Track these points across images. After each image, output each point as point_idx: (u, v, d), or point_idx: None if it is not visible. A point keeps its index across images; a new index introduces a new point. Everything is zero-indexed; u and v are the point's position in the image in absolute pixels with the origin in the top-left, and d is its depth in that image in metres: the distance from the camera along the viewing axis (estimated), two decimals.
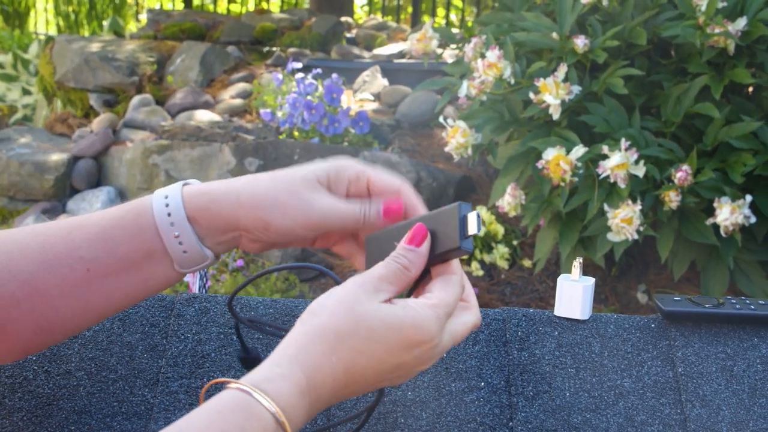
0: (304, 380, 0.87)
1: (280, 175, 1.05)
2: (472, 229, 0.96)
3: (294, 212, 1.03)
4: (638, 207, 2.99)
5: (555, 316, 1.24)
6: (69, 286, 1.01)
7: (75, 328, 1.04)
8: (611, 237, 3.06)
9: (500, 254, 4.26)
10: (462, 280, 0.99)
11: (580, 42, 3.26)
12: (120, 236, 1.03)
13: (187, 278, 1.46)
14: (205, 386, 0.92)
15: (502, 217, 4.42)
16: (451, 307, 0.95)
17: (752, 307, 1.23)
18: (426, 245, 0.97)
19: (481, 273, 4.20)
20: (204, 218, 1.04)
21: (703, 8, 3.17)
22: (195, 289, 1.47)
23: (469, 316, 0.99)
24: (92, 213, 1.05)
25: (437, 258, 0.97)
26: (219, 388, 0.87)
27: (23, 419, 1.11)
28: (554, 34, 3.38)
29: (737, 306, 1.23)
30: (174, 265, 1.04)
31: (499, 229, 4.33)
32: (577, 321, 1.23)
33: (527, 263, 4.27)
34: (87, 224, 1.03)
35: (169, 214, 1.03)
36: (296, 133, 5.41)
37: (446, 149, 3.46)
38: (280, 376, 0.86)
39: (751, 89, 3.53)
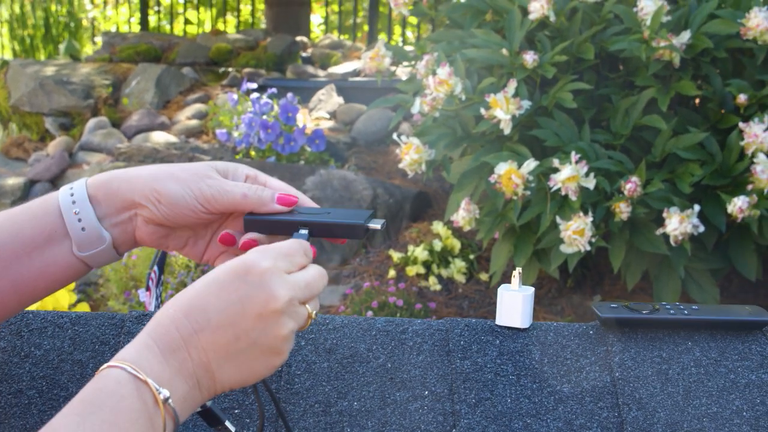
0: (145, 337, 0.91)
1: (181, 164, 1.12)
2: (375, 224, 1.09)
3: (187, 181, 1.09)
4: (590, 219, 3.04)
5: (496, 325, 1.27)
6: None
7: None
8: (564, 249, 3.10)
9: (457, 268, 4.29)
10: (305, 244, 1.05)
11: (530, 58, 3.31)
12: (25, 221, 1.07)
13: (143, 298, 1.48)
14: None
15: (458, 232, 4.46)
16: (284, 251, 1.00)
17: (686, 312, 1.27)
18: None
19: (438, 287, 4.23)
20: (103, 195, 1.09)
21: (648, 22, 3.23)
22: (151, 308, 1.49)
23: (311, 270, 1.03)
24: (4, 210, 1.09)
25: (337, 229, 1.10)
26: None
27: None
28: (504, 51, 3.43)
29: (672, 311, 1.27)
30: (73, 247, 1.08)
31: (456, 244, 4.36)
32: (518, 329, 1.27)
33: (484, 276, 4.31)
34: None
35: (72, 194, 1.08)
36: (252, 153, 5.43)
37: (400, 165, 3.49)
38: (129, 344, 0.91)
39: (697, 101, 3.59)
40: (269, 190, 1.12)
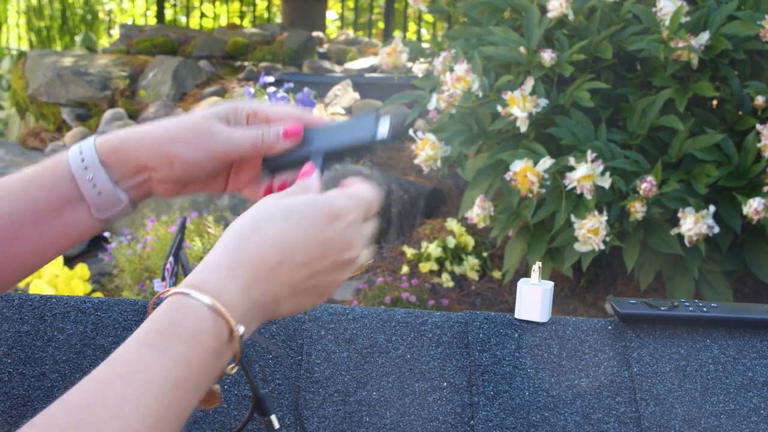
0: (229, 262, 0.89)
1: (182, 116, 1.11)
2: (383, 129, 1.05)
3: (195, 142, 1.08)
4: (604, 218, 3.04)
5: (515, 318, 1.28)
6: None
7: (4, 282, 1.08)
8: (578, 247, 3.11)
9: (470, 266, 4.30)
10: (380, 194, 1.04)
11: (547, 56, 3.31)
12: (39, 188, 1.07)
13: (158, 288, 1.50)
14: (151, 301, 0.94)
15: (472, 229, 4.46)
16: (367, 200, 1.00)
17: (705, 309, 1.27)
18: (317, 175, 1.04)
19: (451, 284, 4.24)
20: (114, 160, 1.08)
21: (667, 23, 3.23)
22: None
23: (374, 223, 1.03)
24: (16, 173, 1.10)
25: (350, 151, 1.08)
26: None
27: None
28: (522, 49, 3.43)
29: (690, 308, 1.27)
30: (91, 210, 1.08)
31: (470, 241, 4.37)
32: (537, 323, 1.27)
33: (497, 274, 4.31)
34: (8, 182, 1.07)
35: (82, 160, 1.07)
36: None
37: (416, 161, 3.50)
38: (205, 268, 0.89)
39: (714, 102, 3.59)
40: (274, 130, 1.10)
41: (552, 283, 1.29)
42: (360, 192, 1.01)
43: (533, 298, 1.27)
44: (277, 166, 1.12)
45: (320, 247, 0.94)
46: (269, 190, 1.12)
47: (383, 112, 5.87)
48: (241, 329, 0.87)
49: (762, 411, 1.18)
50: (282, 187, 1.09)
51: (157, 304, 0.87)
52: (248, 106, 1.13)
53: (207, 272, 0.88)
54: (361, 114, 1.09)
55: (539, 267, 1.27)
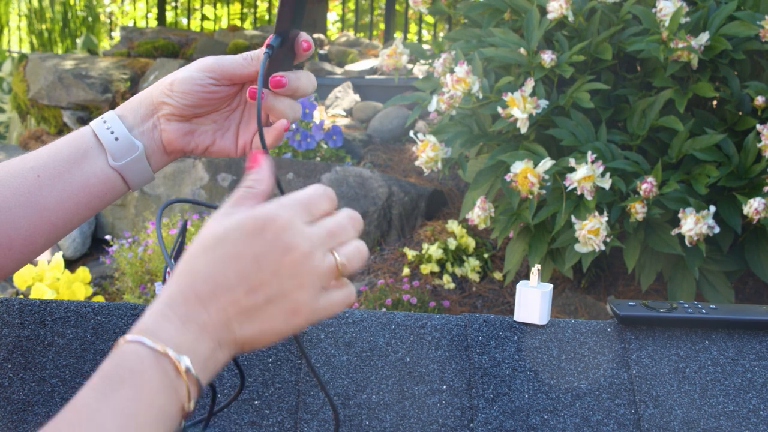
0: (161, 305, 0.90)
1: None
2: None
3: (193, 64, 1.21)
4: (605, 218, 3.04)
5: (515, 321, 1.28)
6: (23, 194, 1.13)
7: (33, 244, 1.14)
8: (579, 248, 3.11)
9: (471, 267, 4.30)
10: (327, 191, 1.01)
11: (547, 57, 3.31)
12: (62, 143, 1.18)
13: (159, 291, 1.50)
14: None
15: (472, 230, 4.47)
16: (302, 200, 0.97)
17: (704, 311, 1.27)
18: (266, 164, 1.01)
19: (452, 286, 4.24)
20: (128, 110, 1.22)
21: (667, 24, 3.23)
22: None
23: (340, 213, 1.01)
24: None
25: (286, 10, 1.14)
26: None
27: None
28: (522, 50, 3.44)
29: (689, 310, 1.27)
30: (108, 158, 1.18)
31: (470, 242, 4.37)
32: (536, 326, 1.27)
33: (498, 276, 4.31)
34: (35, 150, 1.18)
35: (104, 121, 1.20)
36: None
37: (416, 163, 3.50)
38: (145, 314, 0.90)
39: (714, 103, 3.59)
40: (260, 49, 1.19)
41: (551, 286, 1.29)
42: (292, 195, 0.98)
43: (532, 300, 1.27)
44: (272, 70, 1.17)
45: (252, 261, 0.92)
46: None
47: (384, 113, 5.88)
48: (186, 361, 0.87)
49: (761, 412, 1.19)
50: (277, 86, 1.17)
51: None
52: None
53: (145, 319, 0.90)
54: None
55: (538, 270, 1.27)
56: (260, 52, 1.17)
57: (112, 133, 1.18)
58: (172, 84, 1.20)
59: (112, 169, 1.18)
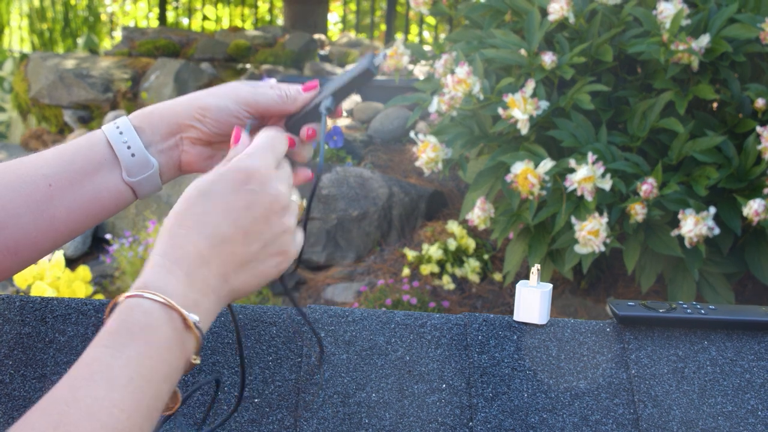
0: (161, 260, 0.91)
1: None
2: (378, 60, 1.10)
3: (225, 92, 1.17)
4: (605, 220, 3.05)
5: (514, 320, 1.28)
6: (34, 203, 1.10)
7: (38, 250, 1.13)
8: (578, 249, 3.11)
9: (471, 268, 4.30)
10: (280, 133, 1.07)
11: (548, 58, 3.32)
12: (75, 152, 1.14)
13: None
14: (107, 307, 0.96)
15: (473, 231, 4.47)
16: (269, 147, 1.02)
17: (703, 311, 1.28)
18: (245, 140, 1.08)
19: (452, 287, 4.24)
20: (148, 124, 1.17)
21: (668, 26, 3.24)
22: None
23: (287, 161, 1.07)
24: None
25: (353, 83, 1.12)
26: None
27: (0, 421, 1.15)
28: (522, 51, 3.44)
29: (688, 311, 1.28)
30: (123, 173, 1.15)
31: (470, 243, 4.37)
32: (536, 325, 1.28)
33: (498, 276, 4.32)
34: (44, 152, 1.14)
35: (117, 127, 1.15)
36: None
37: (417, 164, 3.51)
38: (145, 270, 0.91)
39: (714, 105, 3.59)
40: (294, 86, 1.17)
41: (551, 285, 1.30)
42: (258, 144, 1.03)
43: (532, 300, 1.27)
44: (297, 122, 1.18)
45: (245, 211, 0.97)
46: (307, 87, 1.18)
47: (385, 113, 5.88)
48: (194, 317, 0.89)
49: (759, 413, 1.19)
50: (307, 87, 1.16)
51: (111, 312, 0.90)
52: (272, 82, 1.21)
53: (148, 274, 0.90)
54: (360, 58, 1.15)
55: (538, 269, 1.28)
56: (295, 92, 1.17)
57: (129, 147, 1.15)
58: (205, 110, 1.16)
59: (125, 184, 1.16)
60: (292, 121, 1.18)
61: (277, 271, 1.00)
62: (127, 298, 0.88)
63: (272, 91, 1.16)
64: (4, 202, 1.09)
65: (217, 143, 1.19)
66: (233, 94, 1.16)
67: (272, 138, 1.05)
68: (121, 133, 1.15)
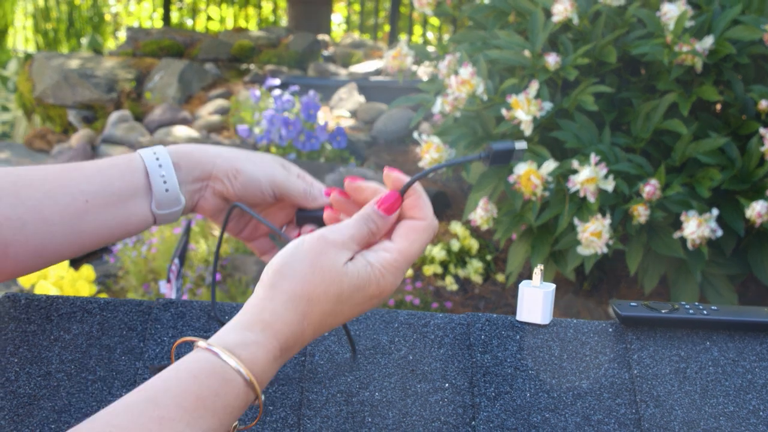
0: (278, 349, 0.95)
1: (252, 151, 1.28)
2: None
3: (263, 166, 1.23)
4: (607, 221, 3.05)
5: (517, 320, 1.29)
6: (69, 215, 1.15)
7: (60, 256, 1.18)
8: (581, 250, 3.11)
9: (474, 269, 4.30)
10: (431, 223, 1.07)
11: (552, 60, 3.32)
12: (115, 174, 1.19)
13: (163, 290, 1.51)
14: (175, 343, 0.97)
15: (476, 232, 4.47)
16: (413, 256, 1.04)
17: (705, 312, 1.28)
18: (395, 216, 1.06)
19: (455, 287, 4.24)
20: (186, 163, 1.23)
21: (671, 27, 3.24)
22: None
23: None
24: (86, 161, 1.22)
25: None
26: (189, 346, 0.93)
27: (5, 418, 1.15)
28: (526, 52, 3.44)
29: (691, 311, 1.28)
30: (152, 204, 1.20)
31: (473, 244, 4.38)
32: (538, 325, 1.28)
33: (501, 277, 4.32)
34: (84, 166, 1.19)
35: (157, 159, 1.21)
36: (273, 149, 5.46)
37: (420, 164, 3.51)
38: (255, 343, 0.93)
39: (718, 106, 3.60)
40: (318, 186, 1.24)
41: (553, 285, 1.30)
42: (400, 256, 1.04)
43: (535, 300, 1.27)
44: (305, 217, 1.27)
45: (358, 310, 1.02)
46: (298, 235, 1.26)
47: (388, 114, 5.88)
48: (262, 396, 0.95)
49: (761, 413, 1.19)
50: (329, 191, 1.21)
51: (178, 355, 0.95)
52: (300, 170, 1.29)
53: (256, 352, 0.93)
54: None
55: (541, 269, 1.28)
56: (318, 191, 1.25)
57: (165, 182, 1.20)
58: (238, 173, 1.22)
59: (151, 213, 1.21)
60: (303, 213, 1.27)
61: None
62: (213, 354, 0.91)
63: (299, 183, 1.24)
64: (41, 208, 1.13)
65: (231, 200, 1.25)
66: (269, 172, 1.23)
67: (424, 246, 1.07)
68: (160, 165, 1.20)
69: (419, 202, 1.05)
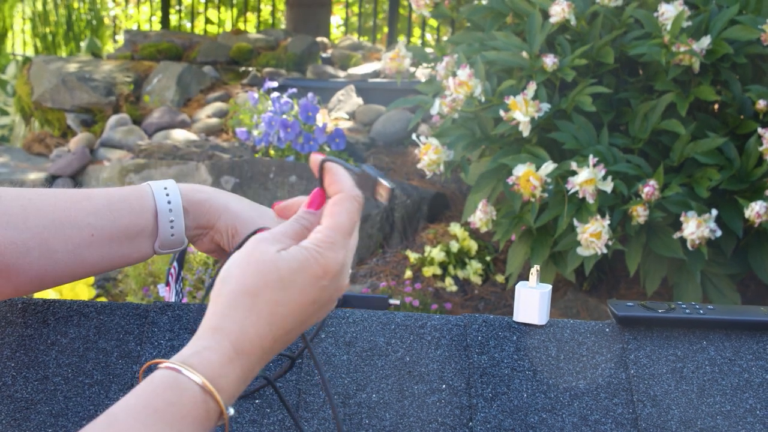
0: (230, 348, 0.91)
1: (262, 209, 1.27)
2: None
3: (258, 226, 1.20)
4: (607, 222, 3.05)
5: (514, 321, 1.29)
6: (74, 246, 1.16)
7: (59, 281, 1.18)
8: (581, 251, 3.11)
9: (473, 270, 4.30)
10: (349, 192, 1.03)
11: (549, 61, 3.32)
12: (124, 210, 1.19)
13: (162, 293, 1.51)
14: (142, 368, 0.96)
15: (475, 233, 4.47)
16: (345, 227, 1.00)
17: (701, 312, 1.28)
18: (323, 208, 1.03)
19: (454, 289, 4.24)
20: (196, 211, 1.24)
21: (669, 27, 3.24)
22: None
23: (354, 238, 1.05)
24: (96, 189, 1.21)
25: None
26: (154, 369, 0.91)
27: (2, 422, 1.15)
28: (524, 53, 3.44)
29: (687, 311, 1.28)
30: (156, 244, 1.21)
31: (473, 245, 4.38)
32: (535, 326, 1.28)
33: (500, 278, 4.32)
34: (94, 196, 1.18)
35: (168, 202, 1.21)
36: (272, 152, 5.46)
37: (419, 166, 3.51)
38: (206, 348, 0.90)
39: (716, 106, 3.60)
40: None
41: (550, 286, 1.30)
42: (342, 228, 1.00)
43: (531, 300, 1.28)
44: None
45: (310, 306, 0.97)
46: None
47: (387, 116, 5.88)
48: (231, 411, 0.90)
49: (758, 412, 1.19)
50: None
51: (147, 372, 0.91)
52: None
53: (211, 357, 0.90)
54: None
55: (537, 270, 1.28)
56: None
57: (172, 227, 1.22)
58: (237, 234, 1.23)
59: (153, 251, 1.23)
60: None
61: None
62: (172, 370, 0.88)
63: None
64: (47, 237, 1.14)
65: (226, 251, 1.26)
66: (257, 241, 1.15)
67: (352, 215, 1.02)
68: (170, 210, 1.21)
69: (335, 178, 1.02)
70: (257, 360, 0.93)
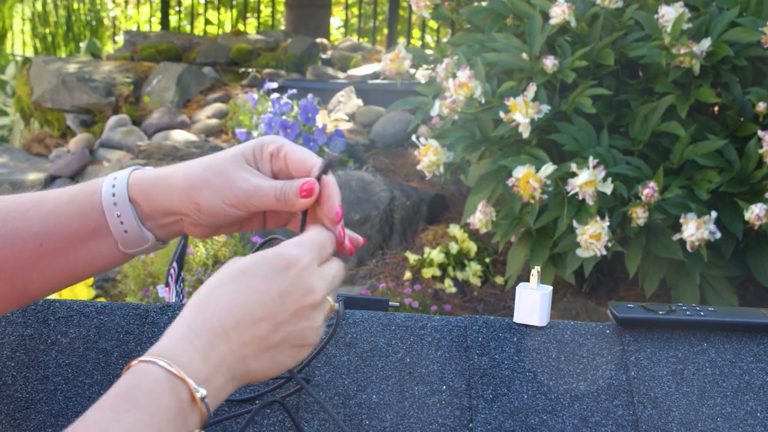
0: (186, 329, 0.90)
1: (212, 157, 1.11)
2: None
3: (221, 192, 1.08)
4: (606, 223, 3.05)
5: (514, 322, 1.29)
6: (24, 259, 1.06)
7: (31, 297, 1.11)
8: (580, 253, 3.11)
9: (473, 271, 4.30)
10: (332, 235, 1.05)
11: (550, 62, 3.32)
12: (71, 213, 1.08)
13: (162, 294, 1.51)
14: (124, 369, 0.96)
15: (474, 235, 4.47)
16: (318, 243, 1.00)
17: (702, 313, 1.28)
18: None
19: (454, 290, 4.24)
20: (144, 201, 1.09)
21: (669, 29, 3.24)
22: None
23: (335, 264, 1.04)
24: (53, 190, 1.11)
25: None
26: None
27: (2, 422, 1.15)
28: (524, 55, 3.44)
29: (688, 312, 1.28)
30: (118, 245, 1.10)
31: (472, 247, 4.38)
32: (536, 327, 1.28)
33: (500, 280, 4.32)
34: (46, 200, 1.08)
35: (113, 195, 1.08)
36: None
37: (419, 167, 3.51)
38: (168, 337, 0.90)
39: (716, 108, 3.60)
40: (295, 185, 1.07)
41: (550, 287, 1.30)
42: (309, 237, 1.01)
43: (532, 302, 1.27)
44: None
45: (278, 298, 0.95)
46: (302, 191, 1.10)
47: (387, 117, 5.88)
48: (203, 391, 0.87)
49: (758, 414, 1.19)
50: (302, 191, 1.08)
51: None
52: (272, 145, 1.11)
53: (166, 341, 0.90)
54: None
55: (538, 271, 1.28)
56: (294, 196, 1.07)
57: (122, 223, 1.08)
58: (199, 206, 1.07)
59: (121, 251, 1.11)
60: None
61: (294, 362, 0.98)
62: (140, 362, 0.87)
63: (269, 189, 1.08)
64: None
65: (218, 228, 1.13)
66: (230, 195, 1.08)
67: (324, 237, 1.03)
68: (115, 204, 1.08)
69: (332, 194, 1.07)
70: (220, 339, 0.91)
